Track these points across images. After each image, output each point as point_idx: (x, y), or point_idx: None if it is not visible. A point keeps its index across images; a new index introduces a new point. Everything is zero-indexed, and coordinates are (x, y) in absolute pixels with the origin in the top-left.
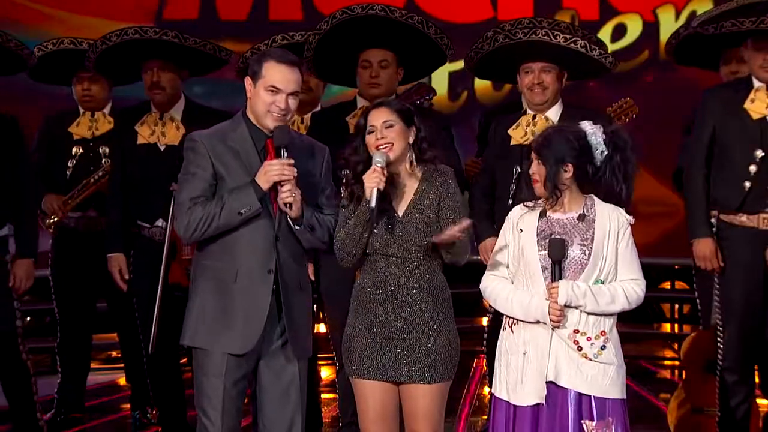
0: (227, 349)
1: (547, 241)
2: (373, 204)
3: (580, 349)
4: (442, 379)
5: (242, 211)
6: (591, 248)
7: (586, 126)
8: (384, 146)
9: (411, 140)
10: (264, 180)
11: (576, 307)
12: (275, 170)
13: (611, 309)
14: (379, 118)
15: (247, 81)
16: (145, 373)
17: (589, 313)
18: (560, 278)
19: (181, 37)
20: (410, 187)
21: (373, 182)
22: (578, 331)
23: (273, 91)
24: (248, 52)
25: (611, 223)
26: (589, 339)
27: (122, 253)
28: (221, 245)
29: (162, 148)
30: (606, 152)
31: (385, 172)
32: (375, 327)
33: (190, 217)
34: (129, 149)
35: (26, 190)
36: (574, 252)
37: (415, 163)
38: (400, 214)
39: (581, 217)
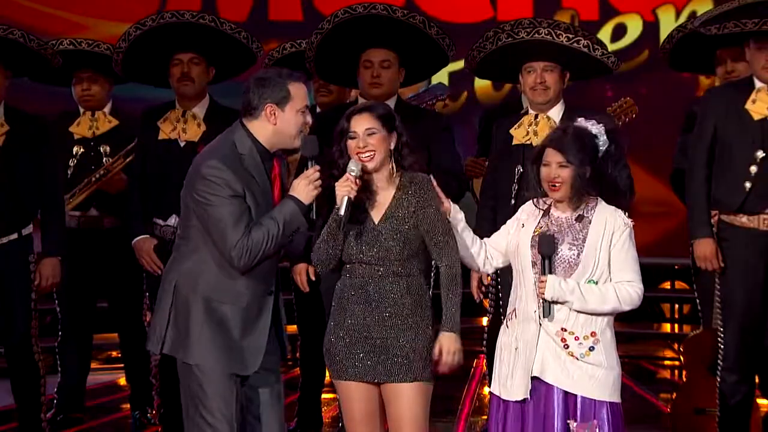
0: (238, 370)
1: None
2: (342, 212)
3: (566, 347)
4: (422, 379)
5: (295, 231)
6: (582, 248)
7: (591, 126)
8: (366, 155)
9: (392, 146)
10: (306, 197)
11: (563, 303)
12: (316, 183)
13: (601, 309)
14: (361, 124)
15: (271, 108)
16: (147, 372)
17: (577, 311)
18: (550, 273)
19: (218, 21)
20: (387, 194)
21: (344, 190)
22: (566, 330)
23: (304, 111)
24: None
25: (607, 225)
26: (577, 338)
27: (148, 235)
28: (226, 271)
29: (182, 144)
30: (605, 147)
31: (359, 181)
32: (353, 328)
33: (249, 242)
34: (150, 145)
35: (52, 190)
36: (563, 251)
37: (394, 169)
38: (376, 222)
39: (579, 218)
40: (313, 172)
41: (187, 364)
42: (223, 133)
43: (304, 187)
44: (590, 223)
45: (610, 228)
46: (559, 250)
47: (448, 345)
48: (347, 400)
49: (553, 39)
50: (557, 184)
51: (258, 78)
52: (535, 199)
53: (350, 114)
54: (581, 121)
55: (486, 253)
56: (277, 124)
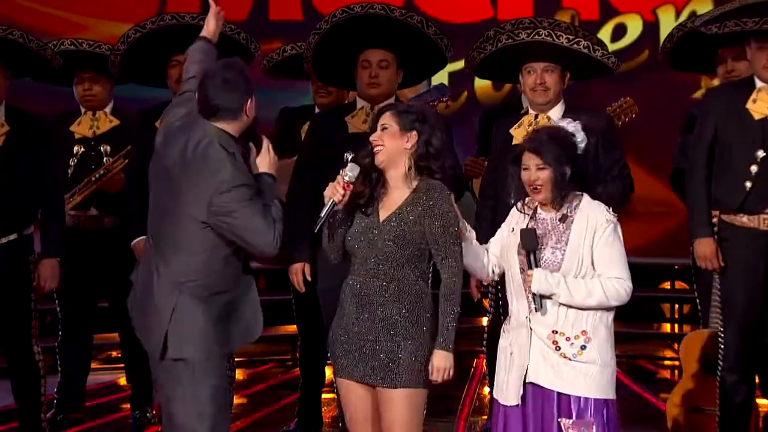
0: (249, 339)
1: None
2: (321, 213)
3: (558, 349)
4: (410, 385)
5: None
6: (565, 250)
7: (567, 125)
8: (376, 148)
9: (408, 145)
10: (274, 170)
11: (550, 297)
12: (274, 154)
13: (587, 303)
14: (380, 122)
15: (249, 104)
16: (147, 372)
17: (566, 308)
18: (537, 267)
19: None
20: (401, 195)
21: (329, 192)
22: (557, 332)
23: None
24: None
25: (588, 223)
26: (568, 339)
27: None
28: (224, 262)
29: None
30: (584, 143)
31: (350, 185)
32: (348, 326)
33: (279, 228)
34: (148, 146)
35: (52, 190)
36: (546, 255)
37: (409, 170)
38: (381, 220)
39: (563, 218)
40: (268, 144)
41: (201, 366)
42: (192, 137)
43: (271, 161)
44: (573, 222)
45: (591, 226)
46: (543, 254)
47: (438, 363)
48: (343, 397)
49: (553, 40)
50: (538, 187)
51: (223, 81)
52: (519, 204)
53: (378, 112)
54: (555, 121)
55: (490, 262)
56: (251, 114)
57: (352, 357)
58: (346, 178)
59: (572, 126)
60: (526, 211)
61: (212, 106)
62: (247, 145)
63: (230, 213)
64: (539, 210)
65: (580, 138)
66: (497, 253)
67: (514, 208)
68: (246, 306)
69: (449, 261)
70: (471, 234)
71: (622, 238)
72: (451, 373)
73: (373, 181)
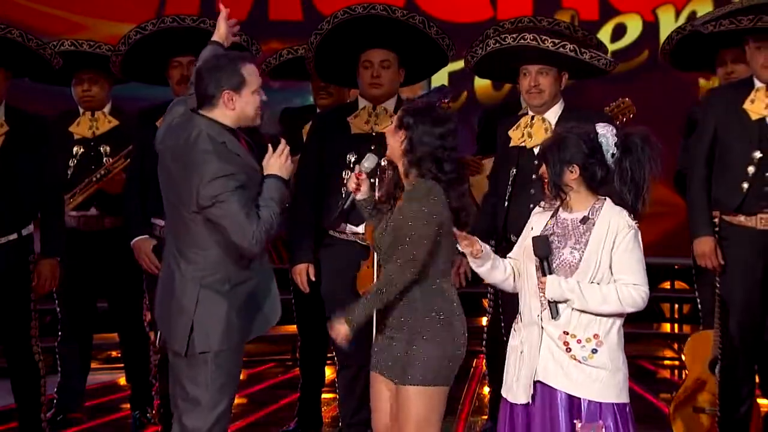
0: (269, 325)
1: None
2: (339, 202)
3: (569, 350)
4: (422, 382)
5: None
6: (583, 252)
7: (599, 127)
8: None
9: (402, 144)
10: (285, 173)
11: (564, 302)
12: (290, 157)
13: (602, 309)
14: None
15: (228, 95)
16: (147, 372)
17: (579, 311)
18: (550, 273)
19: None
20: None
21: (347, 182)
22: (568, 333)
23: (259, 91)
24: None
25: (610, 227)
26: (579, 341)
27: (147, 235)
28: (239, 254)
29: None
30: (616, 155)
31: (363, 175)
32: (376, 320)
33: (264, 226)
34: (148, 146)
35: (52, 190)
36: (564, 254)
37: (406, 169)
38: (389, 219)
39: (584, 220)
40: (283, 147)
41: (221, 358)
42: (185, 133)
43: (282, 164)
44: (594, 225)
45: (613, 230)
46: (561, 253)
47: (334, 327)
48: (371, 390)
49: (538, 44)
50: (545, 180)
51: (210, 67)
52: (542, 202)
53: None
54: (598, 125)
55: (513, 272)
56: (236, 109)
57: (378, 351)
58: (362, 169)
59: (603, 129)
60: (547, 207)
61: (196, 92)
62: (265, 145)
63: (214, 204)
64: (561, 211)
65: (606, 144)
66: (518, 257)
67: (536, 207)
68: (266, 295)
69: (392, 262)
70: (487, 248)
71: (641, 245)
72: (344, 342)
73: (394, 178)
